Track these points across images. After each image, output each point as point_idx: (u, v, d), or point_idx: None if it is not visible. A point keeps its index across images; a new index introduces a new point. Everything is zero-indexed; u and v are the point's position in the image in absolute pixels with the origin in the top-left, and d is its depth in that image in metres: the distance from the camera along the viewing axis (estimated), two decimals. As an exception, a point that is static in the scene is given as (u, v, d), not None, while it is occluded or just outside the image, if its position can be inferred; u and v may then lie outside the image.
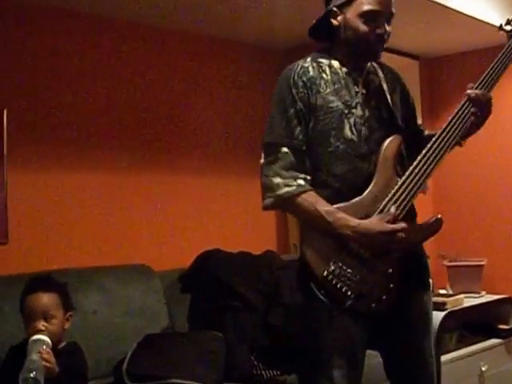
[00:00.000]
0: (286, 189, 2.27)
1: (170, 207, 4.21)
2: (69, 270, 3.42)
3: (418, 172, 2.28)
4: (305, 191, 2.28)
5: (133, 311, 3.53)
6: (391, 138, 2.36)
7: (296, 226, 4.71)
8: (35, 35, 3.67)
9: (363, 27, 2.30)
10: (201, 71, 4.40)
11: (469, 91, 2.35)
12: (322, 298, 2.25)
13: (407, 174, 2.28)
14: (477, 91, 2.35)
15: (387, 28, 2.33)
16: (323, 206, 2.25)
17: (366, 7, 2.28)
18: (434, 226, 2.31)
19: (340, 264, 2.24)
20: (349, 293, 2.23)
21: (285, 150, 2.31)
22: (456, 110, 2.35)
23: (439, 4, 3.97)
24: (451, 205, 5.04)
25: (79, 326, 3.11)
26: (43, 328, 2.57)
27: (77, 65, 3.83)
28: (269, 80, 4.72)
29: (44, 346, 2.47)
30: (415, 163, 2.29)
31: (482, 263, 4.74)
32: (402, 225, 2.22)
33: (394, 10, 2.35)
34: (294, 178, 2.28)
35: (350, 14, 2.32)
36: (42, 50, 3.69)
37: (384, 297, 2.25)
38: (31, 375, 2.35)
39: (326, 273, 2.24)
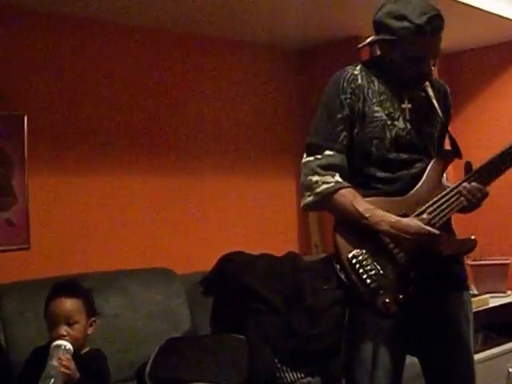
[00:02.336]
0: (325, 186, 2.29)
1: (192, 210, 4.20)
2: (91, 273, 3.43)
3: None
4: (342, 187, 2.29)
5: (155, 314, 3.53)
6: (445, 152, 2.42)
7: (318, 227, 4.70)
8: (55, 42, 3.69)
9: (408, 68, 2.29)
10: (214, 73, 4.41)
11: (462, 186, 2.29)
12: (342, 278, 2.26)
13: (452, 187, 2.30)
14: (471, 186, 2.29)
15: (432, 65, 2.32)
16: (361, 202, 2.27)
17: (413, 54, 2.25)
18: (467, 246, 2.31)
19: (367, 253, 2.26)
20: (368, 281, 2.23)
21: (327, 152, 2.32)
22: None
23: (456, 0, 3.94)
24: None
25: (101, 329, 3.08)
26: (65, 333, 2.57)
27: (97, 71, 3.85)
28: (283, 81, 4.77)
29: (65, 352, 2.46)
30: (465, 178, 2.29)
31: (507, 262, 4.69)
32: (439, 231, 2.23)
33: (441, 44, 2.30)
34: (331, 175, 2.30)
35: (396, 53, 2.29)
36: (61, 57, 3.71)
37: (400, 296, 2.23)
38: (50, 382, 2.36)
39: (351, 255, 2.25)
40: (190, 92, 4.27)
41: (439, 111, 2.41)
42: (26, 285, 3.23)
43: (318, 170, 2.30)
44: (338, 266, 2.28)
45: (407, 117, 2.35)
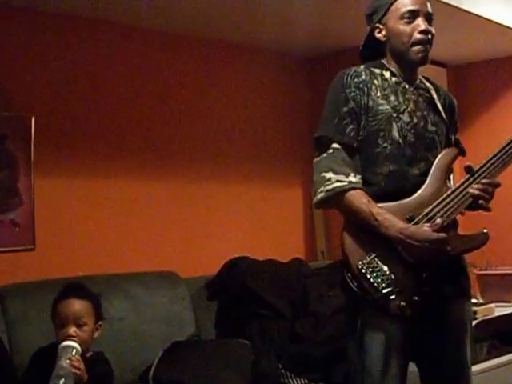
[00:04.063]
0: (337, 183, 2.29)
1: (198, 214, 4.20)
2: (95, 276, 3.42)
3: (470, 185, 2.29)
4: (355, 188, 2.30)
5: (159, 318, 3.51)
6: (449, 149, 2.42)
7: (323, 233, 4.68)
8: (63, 44, 3.69)
9: (405, 28, 2.36)
10: (223, 78, 4.41)
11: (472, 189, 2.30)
12: (353, 287, 2.25)
13: (458, 184, 2.30)
14: (481, 184, 2.30)
15: (429, 26, 2.38)
16: (373, 205, 2.27)
17: (403, 9, 2.35)
18: (479, 240, 2.30)
19: (376, 258, 2.25)
20: (380, 287, 2.23)
21: (336, 145, 2.34)
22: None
23: (466, 11, 3.94)
24: (480, 212, 4.96)
25: (105, 332, 3.07)
26: (74, 334, 2.57)
27: (104, 73, 3.85)
28: (292, 88, 4.77)
29: (74, 353, 2.46)
30: (467, 177, 2.30)
31: (513, 272, 4.67)
32: (447, 236, 2.23)
33: (430, 9, 2.40)
34: (345, 174, 2.31)
35: (391, 22, 2.38)
36: (69, 59, 3.71)
37: (415, 298, 2.23)
38: (61, 382, 2.35)
39: (360, 264, 2.25)
40: (198, 97, 4.27)
41: (443, 114, 2.43)
42: (31, 286, 3.21)
43: (334, 167, 2.31)
44: (349, 275, 2.28)
45: (412, 107, 2.37)
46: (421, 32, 2.35)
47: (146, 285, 3.58)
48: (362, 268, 2.24)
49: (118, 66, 3.91)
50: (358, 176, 2.33)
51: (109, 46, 3.87)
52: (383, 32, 2.41)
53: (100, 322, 2.74)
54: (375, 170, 2.34)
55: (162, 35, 4.09)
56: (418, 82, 2.45)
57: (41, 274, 3.33)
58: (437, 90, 2.49)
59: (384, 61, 2.46)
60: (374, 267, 2.24)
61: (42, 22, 3.60)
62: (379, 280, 2.23)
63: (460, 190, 2.29)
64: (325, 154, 2.34)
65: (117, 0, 3.55)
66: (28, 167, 3.49)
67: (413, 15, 2.35)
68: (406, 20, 2.35)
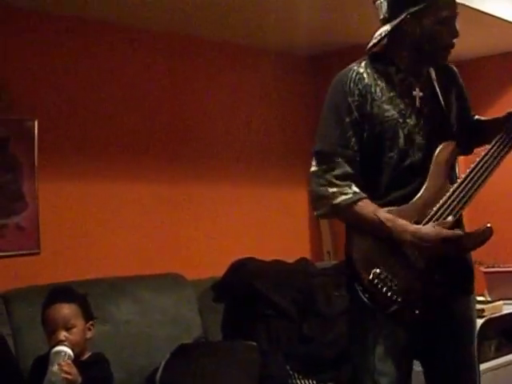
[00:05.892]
0: (343, 197, 2.23)
1: (203, 216, 4.19)
2: (101, 279, 3.42)
3: (471, 181, 2.24)
4: (361, 199, 2.24)
5: (166, 321, 3.51)
6: (444, 144, 2.31)
7: (329, 233, 4.67)
8: (66, 47, 3.68)
9: (442, 32, 2.24)
10: (226, 79, 4.40)
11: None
12: (366, 301, 2.22)
13: (460, 181, 2.25)
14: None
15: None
16: (382, 213, 2.22)
17: (445, 13, 2.22)
18: (484, 235, 2.26)
19: (386, 269, 2.22)
20: (394, 297, 2.20)
21: (339, 159, 2.25)
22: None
23: (470, 7, 3.92)
24: (486, 209, 4.93)
25: (111, 335, 3.09)
26: (64, 338, 2.58)
27: (109, 77, 3.85)
28: (296, 87, 4.75)
29: (66, 357, 2.47)
30: (469, 171, 2.25)
31: (521, 269, 4.65)
32: (460, 233, 2.20)
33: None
34: (348, 186, 2.24)
35: (428, 20, 2.23)
36: (72, 62, 3.70)
37: (429, 303, 2.22)
38: None
39: (371, 276, 2.21)
40: (202, 98, 4.26)
41: (441, 98, 2.35)
42: (36, 290, 3.19)
43: (335, 181, 2.24)
44: (361, 288, 2.24)
45: (418, 105, 2.28)
46: (455, 38, 2.27)
47: (153, 287, 3.58)
48: (374, 280, 2.21)
49: (122, 68, 3.90)
50: (358, 187, 2.25)
51: (112, 49, 3.87)
52: (412, 26, 2.24)
53: (91, 322, 2.75)
54: (382, 181, 2.27)
55: (163, 37, 4.08)
56: (424, 73, 2.35)
57: (46, 278, 3.31)
58: (438, 77, 2.38)
59: (391, 53, 2.33)
60: (385, 278, 2.21)
61: (45, 25, 3.60)
62: (392, 290, 2.20)
63: (463, 186, 2.23)
64: (326, 167, 2.25)
65: (121, 2, 3.54)
66: (32, 171, 3.49)
67: (450, 20, 2.24)
68: (443, 25, 2.23)
